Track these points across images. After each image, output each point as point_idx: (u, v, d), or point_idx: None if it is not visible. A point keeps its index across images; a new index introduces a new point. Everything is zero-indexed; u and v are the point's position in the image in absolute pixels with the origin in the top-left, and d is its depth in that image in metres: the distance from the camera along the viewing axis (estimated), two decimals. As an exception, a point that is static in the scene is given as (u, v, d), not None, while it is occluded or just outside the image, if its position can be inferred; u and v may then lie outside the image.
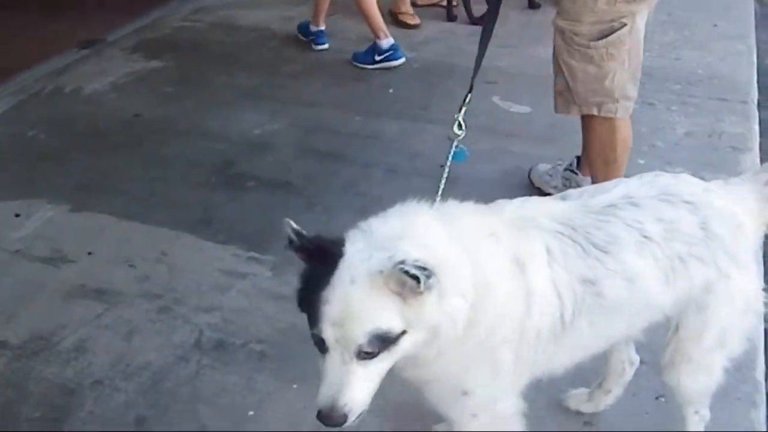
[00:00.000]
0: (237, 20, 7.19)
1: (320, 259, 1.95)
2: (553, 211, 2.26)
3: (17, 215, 4.35)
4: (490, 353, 2.17)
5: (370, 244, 1.95)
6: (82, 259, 3.99)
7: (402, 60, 6.25)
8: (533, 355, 2.23)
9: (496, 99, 5.53)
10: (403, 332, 1.92)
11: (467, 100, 2.96)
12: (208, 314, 3.59)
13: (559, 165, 4.40)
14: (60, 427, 3.02)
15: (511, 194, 2.42)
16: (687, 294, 2.33)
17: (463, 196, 2.26)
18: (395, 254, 1.88)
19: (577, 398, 3.03)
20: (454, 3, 7.19)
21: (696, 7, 7.23)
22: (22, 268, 3.94)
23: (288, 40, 6.88)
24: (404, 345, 1.95)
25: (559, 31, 3.62)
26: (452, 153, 2.82)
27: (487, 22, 3.23)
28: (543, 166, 4.47)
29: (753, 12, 7.09)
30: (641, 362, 2.97)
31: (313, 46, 6.63)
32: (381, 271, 1.86)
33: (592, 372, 2.98)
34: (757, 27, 6.44)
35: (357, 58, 6.31)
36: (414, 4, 7.32)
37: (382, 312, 1.89)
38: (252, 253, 3.98)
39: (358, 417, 1.97)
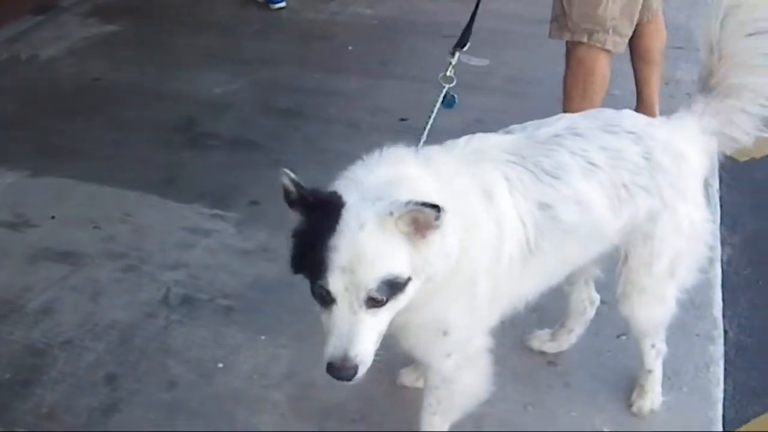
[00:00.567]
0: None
1: (319, 211, 1.94)
2: (501, 143, 2.31)
3: (-23, 182, 4.32)
4: (471, 287, 2.21)
5: (367, 193, 1.96)
6: (45, 222, 3.97)
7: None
8: (506, 283, 2.28)
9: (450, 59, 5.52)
10: (409, 278, 1.94)
11: (465, 47, 2.96)
12: (174, 271, 3.60)
13: None
14: (31, 387, 3.03)
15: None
16: (632, 222, 2.38)
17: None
18: (399, 197, 1.90)
19: (541, 338, 3.10)
20: None
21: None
22: (-16, 233, 3.93)
23: (245, 1, 6.83)
24: (409, 292, 1.96)
25: None
26: (442, 99, 2.83)
27: None
28: None
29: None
30: (602, 302, 3.04)
31: (270, 5, 6.60)
32: (391, 213, 1.87)
33: (554, 313, 3.05)
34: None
35: None
36: None
37: (393, 256, 1.90)
38: (216, 211, 4.00)
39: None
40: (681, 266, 2.52)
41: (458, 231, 2.03)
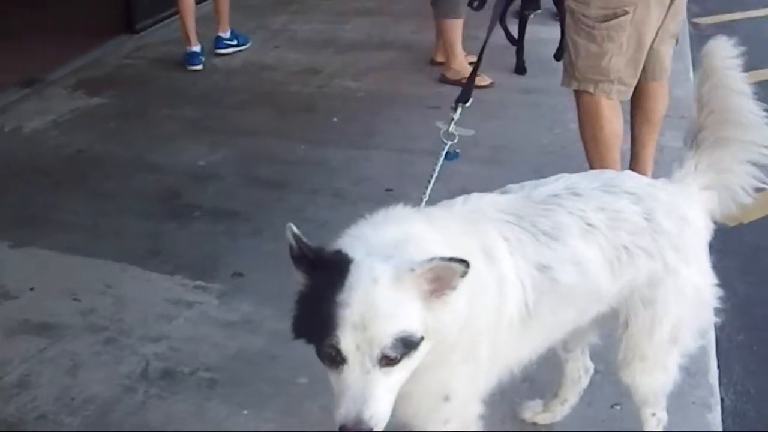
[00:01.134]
0: (179, 56, 7.13)
1: (324, 268, 1.86)
2: (498, 203, 2.27)
3: (-44, 253, 4.23)
4: (474, 351, 2.13)
5: (375, 251, 1.89)
6: (24, 294, 3.88)
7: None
8: (505, 346, 2.21)
9: (439, 123, 5.53)
10: (422, 338, 1.85)
11: (468, 103, 2.94)
12: (155, 344, 3.51)
13: None
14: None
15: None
16: (631, 285, 2.33)
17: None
18: (410, 256, 1.84)
19: (533, 409, 3.01)
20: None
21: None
22: (-39, 306, 3.83)
23: (231, 73, 6.88)
24: (422, 352, 1.86)
25: (570, 12, 4.01)
26: (444, 153, 2.77)
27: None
28: None
29: (688, 33, 7.26)
30: (596, 371, 2.96)
31: (188, 66, 6.85)
32: (412, 269, 1.80)
33: (545, 383, 2.97)
34: (692, 48, 6.60)
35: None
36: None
37: (408, 313, 1.81)
38: (199, 282, 3.92)
39: None
40: (684, 332, 2.45)
41: (466, 292, 1.94)
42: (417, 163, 2.84)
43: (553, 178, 2.41)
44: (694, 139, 2.53)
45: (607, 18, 3.85)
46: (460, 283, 1.82)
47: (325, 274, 1.85)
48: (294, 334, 1.92)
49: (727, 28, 6.94)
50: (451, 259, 1.79)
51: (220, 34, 7.16)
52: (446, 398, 2.17)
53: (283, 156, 5.30)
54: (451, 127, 2.80)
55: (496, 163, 4.97)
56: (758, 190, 2.54)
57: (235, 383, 3.27)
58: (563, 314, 2.31)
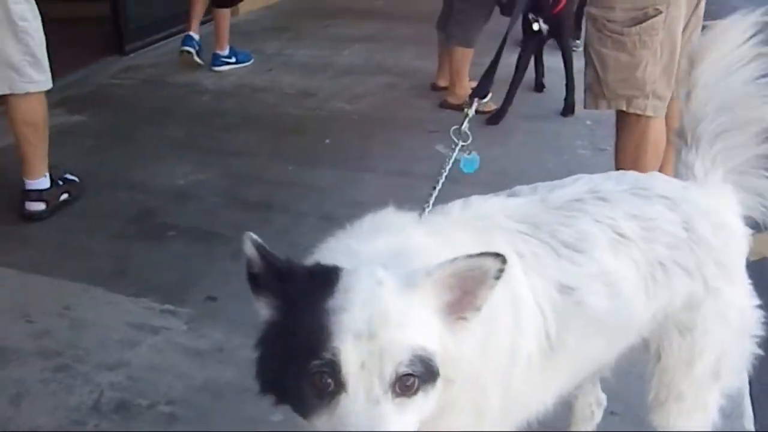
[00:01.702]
0: (168, 77, 6.84)
1: (300, 281, 1.44)
2: (507, 208, 1.88)
3: None
4: (481, 400, 1.69)
5: (366, 262, 1.49)
6: (-28, 314, 3.51)
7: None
8: (521, 391, 1.78)
9: (439, 147, 5.19)
10: (439, 370, 1.40)
11: (486, 98, 2.53)
12: (112, 372, 3.14)
13: None
14: None
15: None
16: (665, 311, 1.94)
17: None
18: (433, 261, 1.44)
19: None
20: None
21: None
22: None
23: (222, 94, 6.56)
24: (437, 392, 1.41)
25: (592, 20, 3.52)
26: (462, 161, 2.30)
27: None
28: None
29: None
30: (612, 413, 2.59)
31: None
32: (428, 273, 1.40)
33: (555, 421, 2.57)
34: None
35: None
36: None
37: (426, 325, 1.39)
38: (167, 306, 3.55)
39: None
40: (726, 365, 2.05)
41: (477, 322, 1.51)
42: (414, 187, 2.49)
43: (570, 179, 2.04)
44: (693, 133, 2.14)
45: (637, 21, 3.38)
46: (495, 287, 1.42)
47: (304, 285, 1.43)
48: (261, 383, 1.47)
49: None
50: (481, 255, 1.40)
51: (217, 51, 7.02)
52: None
53: (270, 177, 4.95)
54: (464, 125, 2.30)
55: (498, 188, 4.60)
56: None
57: (199, 419, 2.90)
58: (590, 347, 1.90)
